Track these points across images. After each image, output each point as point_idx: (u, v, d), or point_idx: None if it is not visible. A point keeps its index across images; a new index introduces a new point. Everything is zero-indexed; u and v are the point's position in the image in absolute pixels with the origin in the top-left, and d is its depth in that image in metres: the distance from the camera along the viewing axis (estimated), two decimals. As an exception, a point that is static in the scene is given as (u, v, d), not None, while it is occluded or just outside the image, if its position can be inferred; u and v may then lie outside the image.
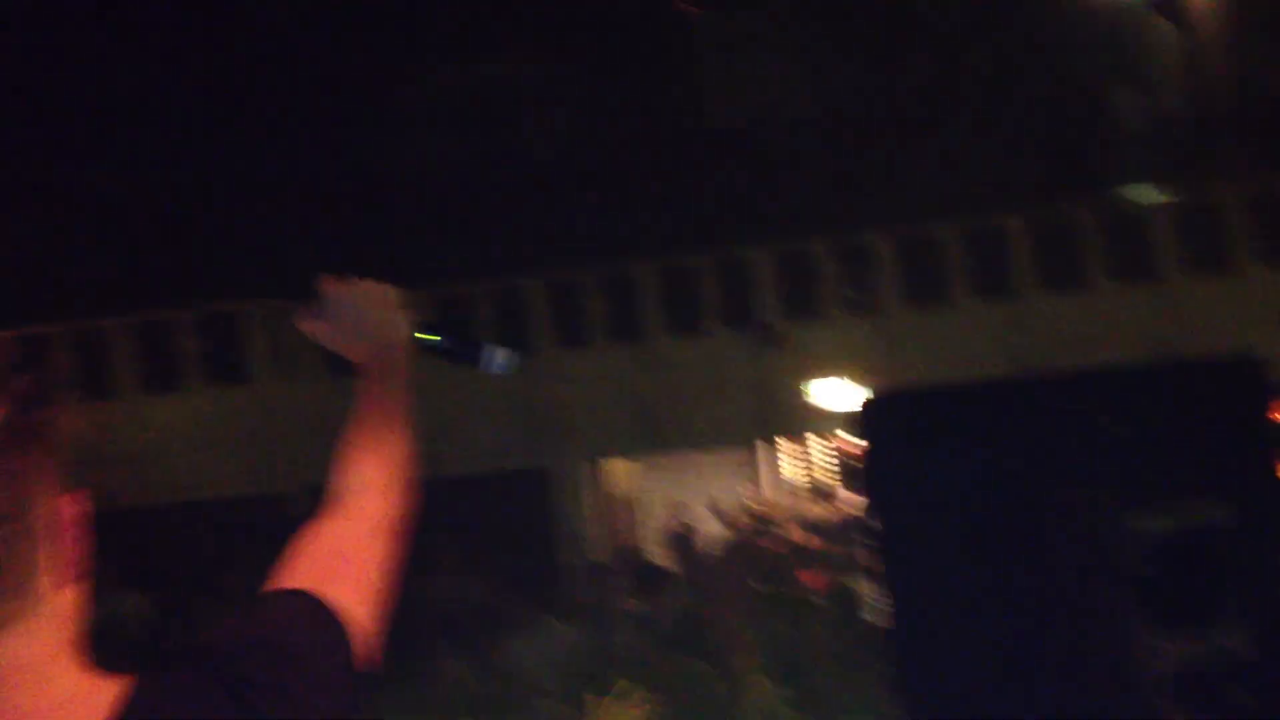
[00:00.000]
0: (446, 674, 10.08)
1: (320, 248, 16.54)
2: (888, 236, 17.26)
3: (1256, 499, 3.97)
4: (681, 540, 14.76)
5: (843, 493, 14.75)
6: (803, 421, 17.28)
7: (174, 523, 16.32)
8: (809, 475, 18.72)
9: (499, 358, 1.96)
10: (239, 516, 15.59)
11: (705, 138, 19.38)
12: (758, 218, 17.76)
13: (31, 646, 1.20)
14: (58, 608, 1.23)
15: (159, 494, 16.68)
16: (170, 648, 1.34)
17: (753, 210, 17.91)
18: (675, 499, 16.84)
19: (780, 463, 19.04)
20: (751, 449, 18.54)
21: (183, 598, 12.41)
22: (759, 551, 12.48)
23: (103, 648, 1.30)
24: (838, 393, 15.51)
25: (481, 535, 13.41)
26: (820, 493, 17.19)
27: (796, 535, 14.16)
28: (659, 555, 14.51)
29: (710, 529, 14.71)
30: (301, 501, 13.03)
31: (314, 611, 1.43)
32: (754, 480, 18.54)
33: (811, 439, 18.40)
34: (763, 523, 14.70)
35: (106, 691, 1.23)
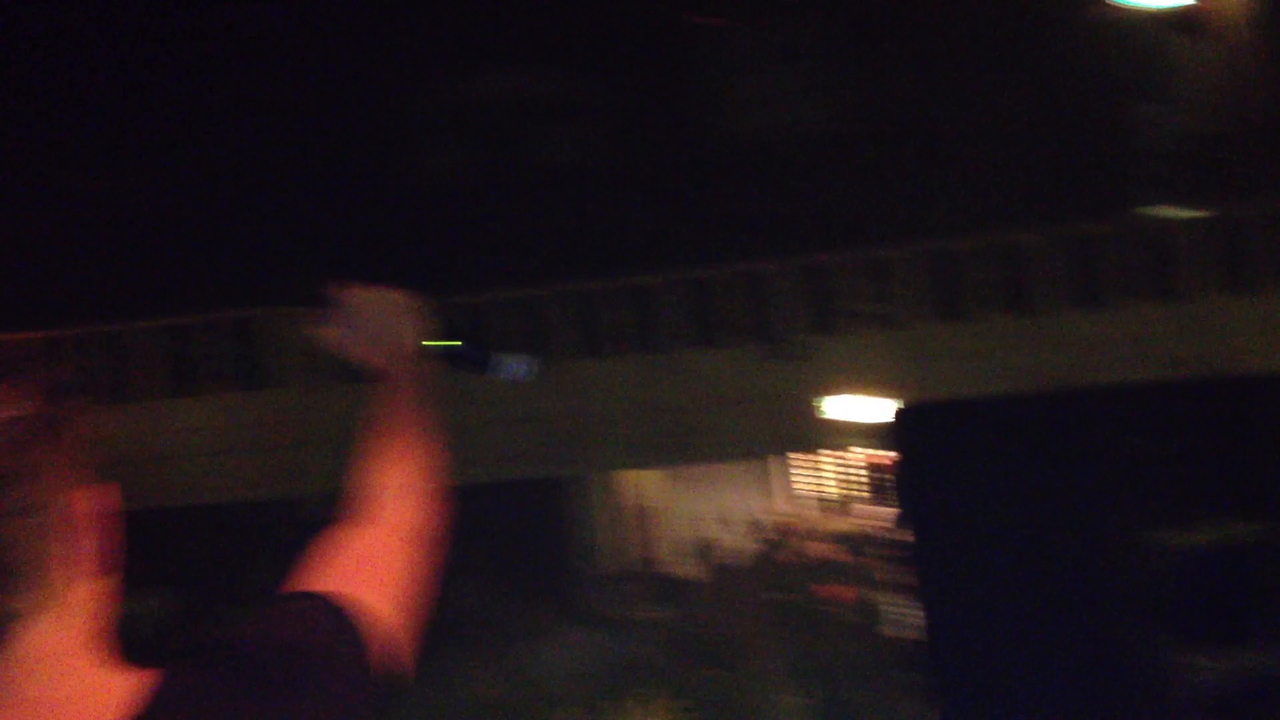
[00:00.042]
0: (465, 681, 10.08)
1: (339, 255, 16.60)
2: (911, 251, 17.21)
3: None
4: (702, 551, 14.74)
5: (863, 506, 14.72)
6: (823, 435, 17.22)
7: (194, 525, 16.36)
8: (829, 488, 18.69)
9: (516, 365, 1.95)
10: (259, 520, 15.61)
11: (728, 150, 19.38)
12: (780, 230, 17.75)
13: (52, 638, 1.20)
14: (80, 601, 1.22)
15: (179, 497, 16.70)
16: (190, 645, 1.33)
17: (775, 222, 17.90)
18: (695, 510, 16.81)
19: (800, 476, 19.00)
20: (771, 462, 18.48)
21: (202, 599, 12.45)
22: (778, 564, 12.47)
23: (124, 644, 1.29)
24: (859, 407, 15.46)
25: (501, 544, 13.41)
26: (840, 506, 17.15)
27: (816, 548, 14.13)
28: (679, 566, 14.49)
29: (730, 541, 14.69)
30: (321, 506, 13.05)
31: (334, 613, 1.43)
32: (774, 493, 18.50)
33: (832, 453, 18.35)
34: (782, 535, 14.68)
35: (125, 686, 1.23)
